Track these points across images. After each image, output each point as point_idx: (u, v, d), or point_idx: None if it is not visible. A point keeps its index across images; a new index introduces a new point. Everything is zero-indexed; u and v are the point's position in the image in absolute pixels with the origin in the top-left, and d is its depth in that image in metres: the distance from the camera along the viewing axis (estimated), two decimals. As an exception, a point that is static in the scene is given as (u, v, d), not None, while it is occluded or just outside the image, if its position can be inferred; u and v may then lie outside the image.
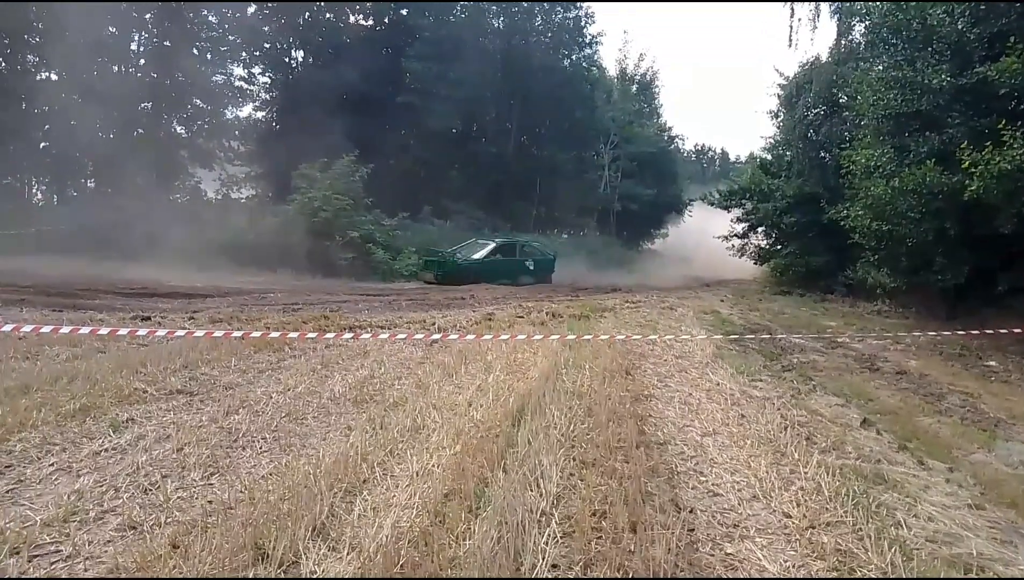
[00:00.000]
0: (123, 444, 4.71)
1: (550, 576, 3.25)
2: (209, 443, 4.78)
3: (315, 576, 3.20)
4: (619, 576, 3.26)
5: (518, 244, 25.28)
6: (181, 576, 3.14)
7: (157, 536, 3.43)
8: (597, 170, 42.15)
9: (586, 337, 9.31)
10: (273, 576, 3.20)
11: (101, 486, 4.00)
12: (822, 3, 21.27)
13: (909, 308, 14.79)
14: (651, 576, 3.26)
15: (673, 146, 54.48)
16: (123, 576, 3.15)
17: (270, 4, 31.73)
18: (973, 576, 3.47)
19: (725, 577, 3.35)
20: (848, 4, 19.45)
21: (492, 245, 24.02)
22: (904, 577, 3.37)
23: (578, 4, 37.43)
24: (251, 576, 3.19)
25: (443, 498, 3.95)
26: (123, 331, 7.77)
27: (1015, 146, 9.47)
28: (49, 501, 3.77)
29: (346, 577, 3.20)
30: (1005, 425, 6.35)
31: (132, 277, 16.58)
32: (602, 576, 3.25)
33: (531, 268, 23.94)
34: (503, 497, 3.92)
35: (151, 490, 3.99)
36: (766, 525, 3.83)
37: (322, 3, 32.87)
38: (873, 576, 3.36)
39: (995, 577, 3.48)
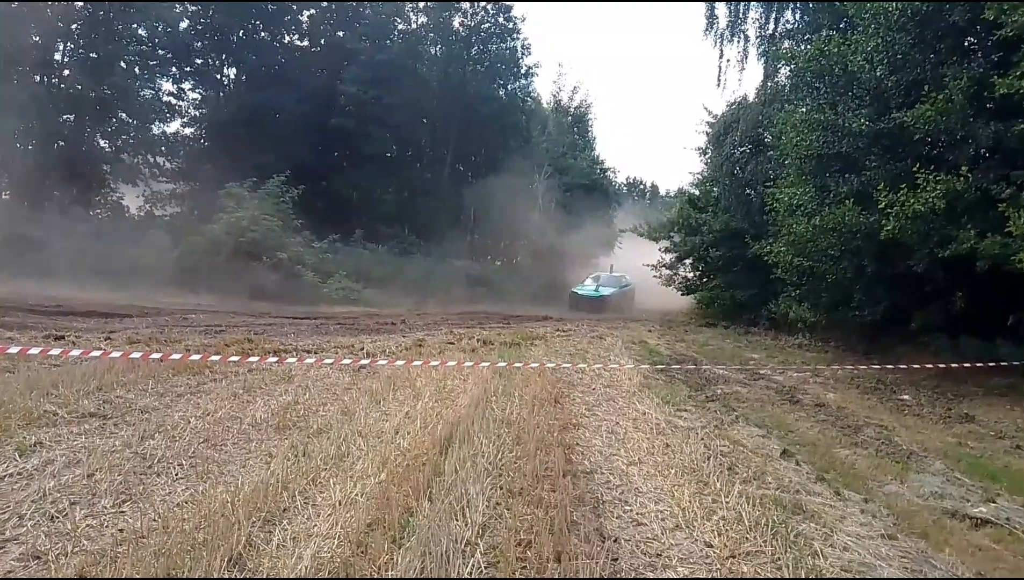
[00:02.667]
0: (29, 469, 4.49)
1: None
2: (122, 469, 4.60)
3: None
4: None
5: None
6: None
7: (63, 567, 3.27)
8: (531, 199, 42.49)
9: (516, 365, 9.32)
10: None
11: (4, 513, 3.81)
12: (750, 45, 22.17)
13: (829, 342, 15.22)
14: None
15: (605, 178, 55.42)
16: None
17: (203, 21, 31.17)
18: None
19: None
20: (775, 48, 20.20)
21: None
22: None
23: (515, 35, 37.99)
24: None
25: (366, 528, 3.88)
26: (34, 350, 7.43)
27: (928, 189, 9.95)
28: (-55, 530, 3.57)
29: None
30: (917, 457, 6.57)
31: (47, 294, 15.87)
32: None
33: None
34: (428, 527, 3.88)
35: (58, 518, 3.80)
36: (688, 554, 3.87)
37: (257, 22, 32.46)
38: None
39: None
